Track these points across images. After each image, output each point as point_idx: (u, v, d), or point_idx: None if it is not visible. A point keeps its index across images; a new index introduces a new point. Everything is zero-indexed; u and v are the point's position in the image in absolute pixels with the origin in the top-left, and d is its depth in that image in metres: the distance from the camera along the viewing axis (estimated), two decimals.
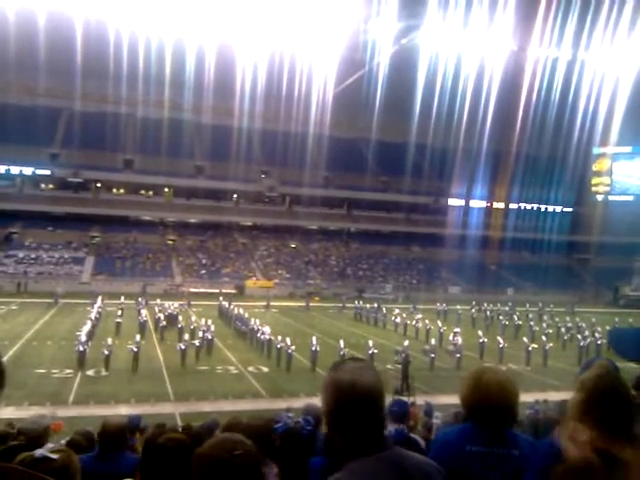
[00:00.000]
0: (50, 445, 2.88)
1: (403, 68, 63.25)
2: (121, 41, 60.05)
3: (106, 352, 24.75)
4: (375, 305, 45.45)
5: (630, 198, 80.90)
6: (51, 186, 65.90)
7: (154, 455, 2.68)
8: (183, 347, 26.45)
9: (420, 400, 17.33)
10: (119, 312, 35.46)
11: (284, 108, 68.45)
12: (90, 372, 24.39)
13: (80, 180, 64.77)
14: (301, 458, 2.64)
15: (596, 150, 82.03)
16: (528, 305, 49.99)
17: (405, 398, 14.84)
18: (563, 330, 37.09)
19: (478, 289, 60.63)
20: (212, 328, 30.19)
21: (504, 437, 2.50)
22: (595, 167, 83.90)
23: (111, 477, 3.38)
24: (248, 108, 68.50)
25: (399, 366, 24.57)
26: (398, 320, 39.25)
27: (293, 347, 26.47)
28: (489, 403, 2.46)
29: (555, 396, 17.78)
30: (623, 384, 2.17)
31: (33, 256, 55.84)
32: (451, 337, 30.63)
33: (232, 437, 1.87)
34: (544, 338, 31.79)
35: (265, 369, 26.62)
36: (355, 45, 64.81)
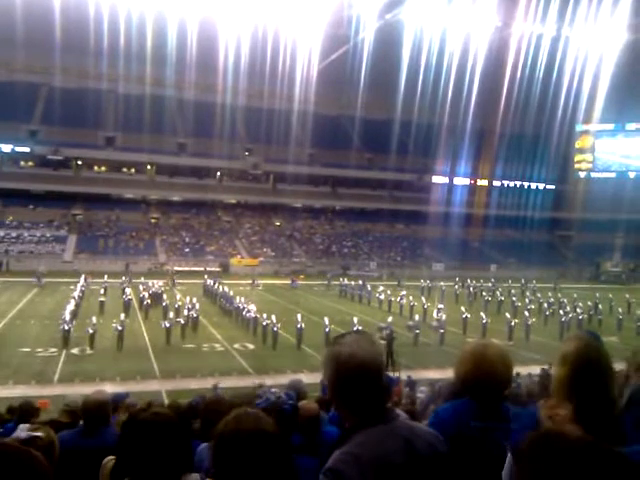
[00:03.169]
0: (25, 425, 2.87)
1: (387, 44, 62.74)
2: (101, 15, 58.93)
3: (91, 331, 24.68)
4: (360, 282, 45.72)
5: (612, 175, 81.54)
6: (31, 163, 64.80)
7: (134, 431, 2.67)
8: (168, 325, 26.42)
9: (403, 375, 17.57)
10: (102, 291, 35.24)
11: (268, 84, 67.78)
12: (75, 350, 24.34)
13: (60, 158, 63.77)
14: (284, 433, 2.63)
15: (579, 127, 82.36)
16: (510, 281, 50.54)
17: (390, 374, 14.98)
18: (545, 305, 37.59)
19: (462, 266, 61.03)
20: (197, 306, 30.17)
21: (502, 411, 2.51)
22: (578, 144, 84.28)
23: (96, 451, 3.38)
24: (231, 84, 67.66)
25: (383, 342, 24.79)
26: (382, 297, 39.51)
27: (279, 325, 26.57)
28: (493, 378, 2.45)
29: (537, 370, 18.10)
30: (605, 355, 2.19)
31: (14, 235, 55.15)
32: (435, 313, 30.91)
33: (252, 412, 1.89)
34: (527, 313, 32.21)
35: (251, 346, 26.73)
36: (339, 20, 64.11)
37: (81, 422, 4.44)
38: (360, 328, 26.09)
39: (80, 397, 4.55)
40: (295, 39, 65.42)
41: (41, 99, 68.16)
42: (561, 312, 34.07)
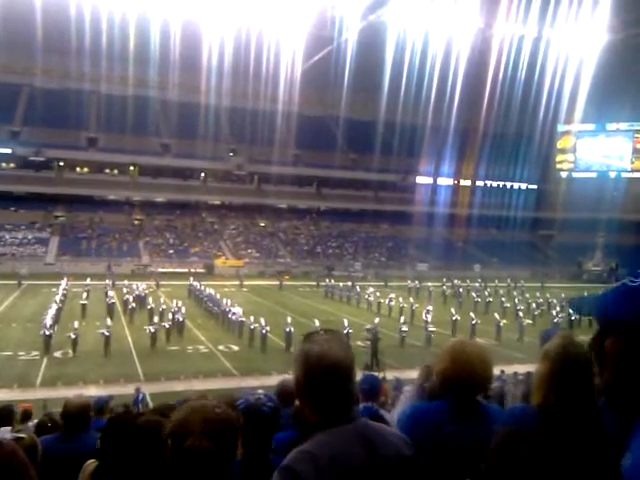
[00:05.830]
0: (7, 428, 2.84)
1: (371, 45, 62.94)
2: (83, 15, 58.31)
3: (73, 336, 24.07)
4: (349, 283, 45.50)
5: (593, 175, 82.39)
6: (12, 165, 63.97)
7: (115, 435, 2.66)
8: (153, 330, 25.89)
9: (390, 376, 17.62)
10: (84, 294, 34.67)
11: (252, 85, 67.65)
12: (57, 354, 24.07)
13: (42, 159, 63.02)
14: (263, 435, 2.63)
15: (560, 128, 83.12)
16: (497, 281, 50.74)
17: (375, 374, 15.01)
18: (534, 306, 37.69)
19: (445, 265, 61.33)
20: (183, 310, 29.73)
21: (480, 413, 2.50)
22: (559, 144, 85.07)
23: (76, 457, 3.35)
24: (215, 85, 67.39)
25: (369, 342, 24.91)
26: (372, 298, 39.25)
27: (268, 328, 26.22)
28: (471, 376, 2.45)
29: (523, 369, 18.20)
30: (587, 354, 2.21)
31: None
32: (424, 314, 30.79)
33: (200, 403, 1.88)
34: (520, 314, 32.29)
35: (235, 348, 26.65)
36: (323, 21, 64.14)
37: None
38: (351, 331, 26.18)
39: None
40: (279, 40, 65.35)
41: (22, 100, 67.44)
42: (553, 313, 34.08)
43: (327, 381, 1.77)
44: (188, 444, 1.68)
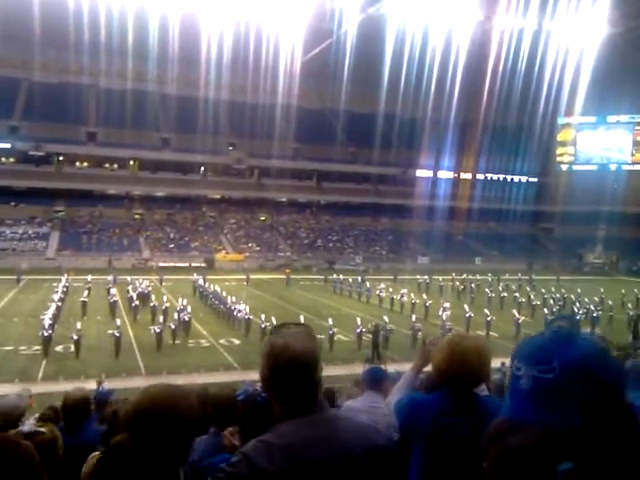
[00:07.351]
0: (34, 419, 2.85)
1: (370, 37, 62.69)
2: (82, 9, 58.10)
3: (75, 337, 23.36)
4: (358, 279, 44.47)
5: (593, 168, 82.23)
6: (12, 160, 63.88)
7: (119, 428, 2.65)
8: (158, 330, 25.18)
9: (391, 369, 17.57)
10: (85, 292, 33.72)
11: (251, 78, 67.51)
12: (59, 348, 24.06)
13: (42, 153, 62.94)
14: (260, 424, 2.63)
15: (560, 120, 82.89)
16: (508, 275, 50.45)
17: (380, 367, 15.00)
18: (551, 302, 37.26)
19: (446, 259, 61.34)
20: (189, 309, 28.71)
21: (478, 405, 2.49)
22: (559, 137, 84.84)
23: (77, 449, 3.36)
24: (214, 79, 67.23)
25: (370, 335, 24.96)
26: (383, 294, 38.37)
27: None
28: (465, 369, 2.45)
29: None
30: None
31: None
32: (440, 312, 30.23)
33: (175, 389, 1.90)
34: (545, 310, 32.02)
35: (236, 341, 26.67)
36: (322, 14, 63.89)
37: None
38: (364, 329, 25.87)
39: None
40: (278, 33, 65.11)
41: (22, 94, 67.28)
42: (574, 309, 33.56)
43: (290, 373, 1.77)
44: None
